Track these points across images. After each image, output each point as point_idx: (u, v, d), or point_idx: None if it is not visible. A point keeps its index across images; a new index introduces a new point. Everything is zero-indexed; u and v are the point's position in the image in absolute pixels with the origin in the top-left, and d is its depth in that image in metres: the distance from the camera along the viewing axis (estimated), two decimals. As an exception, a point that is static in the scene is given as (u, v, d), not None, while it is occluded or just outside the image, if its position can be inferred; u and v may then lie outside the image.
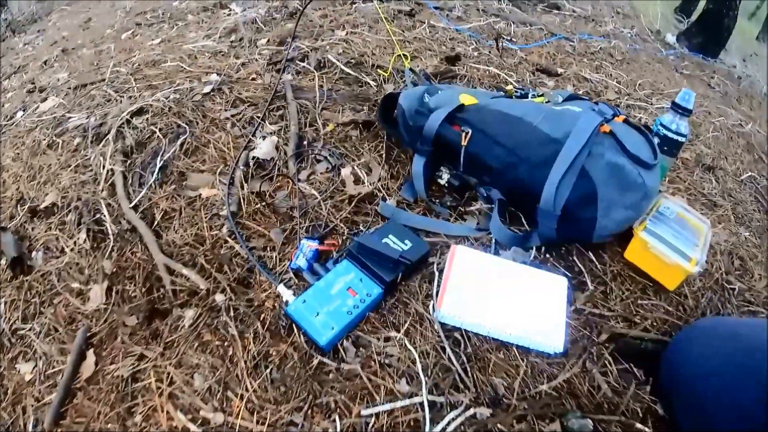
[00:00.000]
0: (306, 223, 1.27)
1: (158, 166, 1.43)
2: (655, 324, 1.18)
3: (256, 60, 1.94)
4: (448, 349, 1.04)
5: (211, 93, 1.71)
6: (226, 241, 1.24)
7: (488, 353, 1.06)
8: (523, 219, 1.34)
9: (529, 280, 1.19)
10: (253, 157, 1.41)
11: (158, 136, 1.52)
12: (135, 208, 1.33)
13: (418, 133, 1.34)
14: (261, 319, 1.10)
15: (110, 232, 1.28)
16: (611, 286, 1.24)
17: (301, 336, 1.06)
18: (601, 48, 2.60)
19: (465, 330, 1.09)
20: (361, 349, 1.05)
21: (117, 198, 1.35)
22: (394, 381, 1.00)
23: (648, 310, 1.21)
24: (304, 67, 1.84)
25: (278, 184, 1.36)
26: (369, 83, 1.75)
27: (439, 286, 1.15)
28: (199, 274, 1.19)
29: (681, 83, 2.72)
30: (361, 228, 1.28)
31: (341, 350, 1.04)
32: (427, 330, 1.08)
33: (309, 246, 1.20)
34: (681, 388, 0.98)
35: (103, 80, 1.92)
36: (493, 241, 1.27)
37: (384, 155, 1.43)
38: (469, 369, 1.02)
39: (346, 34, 2.08)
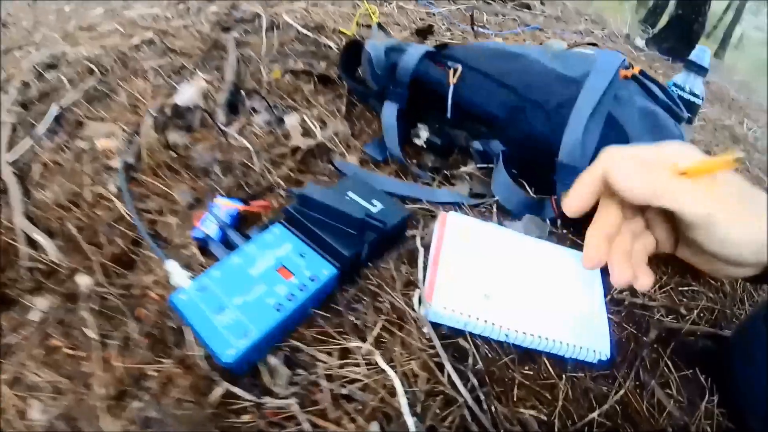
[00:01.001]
0: (228, 179, 0.84)
1: (53, 114, 0.99)
2: (702, 315, 0.85)
3: (202, 23, 1.55)
4: (447, 366, 0.62)
5: (140, 45, 1.30)
6: (110, 201, 0.80)
7: (508, 370, 0.64)
8: (527, 189, 0.93)
9: (552, 260, 0.79)
10: (173, 105, 0.98)
11: (66, 87, 1.09)
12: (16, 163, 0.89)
13: (391, 72, 0.94)
14: (137, 316, 0.67)
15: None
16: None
17: (198, 346, 0.62)
18: (576, 41, 2.32)
19: (470, 334, 0.67)
20: (300, 371, 0.62)
21: None
22: (358, 428, 0.57)
23: (690, 298, 0.87)
24: (254, 26, 1.44)
25: (198, 136, 0.93)
26: (329, 45, 1.36)
27: (426, 268, 0.73)
28: (67, 244, 0.76)
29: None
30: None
31: (265, 373, 0.61)
32: (411, 336, 0.66)
33: (225, 206, 0.77)
34: (757, 393, 0.66)
35: (34, 43, 1.49)
36: (495, 208, 0.86)
37: (344, 110, 1.02)
38: (483, 397, 0.60)
39: (307, 3, 1.71)
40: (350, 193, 0.76)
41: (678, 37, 3.35)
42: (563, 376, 0.65)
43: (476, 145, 0.93)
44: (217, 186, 0.83)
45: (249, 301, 0.63)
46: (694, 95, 1.16)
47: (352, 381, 0.62)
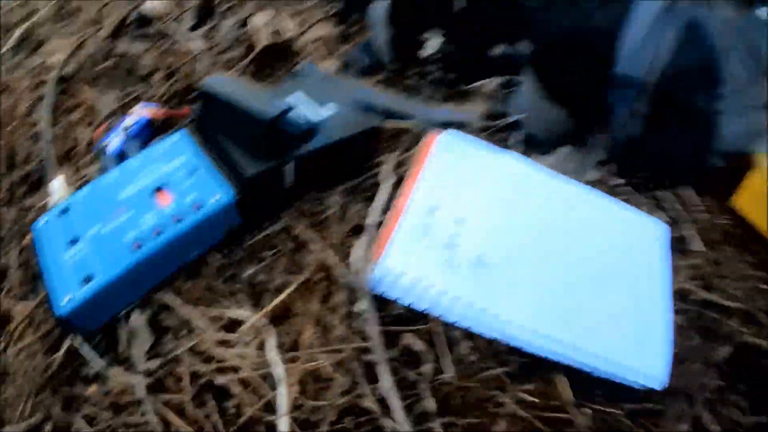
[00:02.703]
0: (164, 87, 0.63)
1: (16, 35, 0.85)
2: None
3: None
4: (383, 373, 0.38)
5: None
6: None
7: (497, 389, 0.39)
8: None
9: (594, 219, 0.48)
10: (138, 14, 0.78)
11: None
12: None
13: None
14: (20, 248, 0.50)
15: None
16: (725, 252, 0.52)
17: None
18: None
19: (438, 320, 0.41)
20: (167, 338, 0.42)
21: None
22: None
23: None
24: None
25: (154, 44, 0.73)
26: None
27: (387, 210, 0.45)
28: None
29: None
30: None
31: (122, 336, 0.42)
32: (335, 313, 0.41)
33: (138, 114, 0.55)
34: None
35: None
36: (517, 137, 0.55)
37: (335, 13, 0.74)
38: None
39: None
40: (295, 95, 0.50)
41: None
42: (586, 407, 0.35)
43: (498, 49, 0.61)
44: (151, 94, 0.62)
45: (104, 234, 0.42)
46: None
47: (234, 369, 0.37)
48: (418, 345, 0.39)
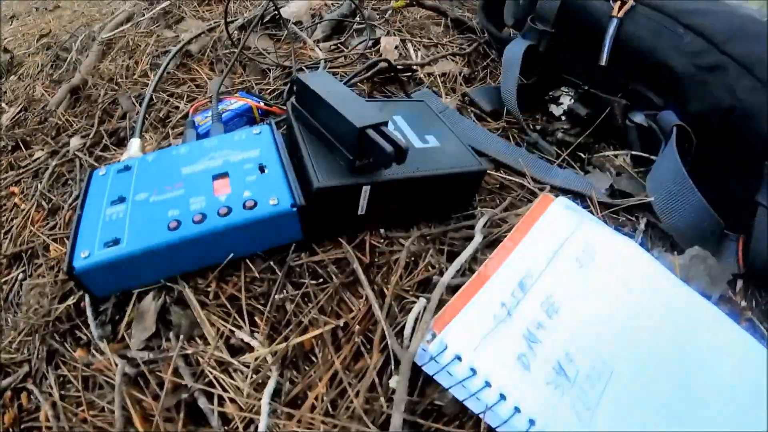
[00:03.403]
0: (277, 83, 0.60)
1: (160, 6, 0.90)
2: None
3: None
4: None
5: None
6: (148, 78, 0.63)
7: None
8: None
9: (712, 341, 0.36)
10: (276, 13, 0.79)
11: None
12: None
13: (533, 3, 0.58)
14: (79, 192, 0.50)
15: None
16: None
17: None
18: None
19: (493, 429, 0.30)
20: (171, 335, 0.35)
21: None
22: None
23: None
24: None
25: (284, 44, 0.71)
26: None
27: (465, 271, 0.36)
28: (85, 105, 0.65)
29: None
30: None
31: (127, 315, 0.36)
32: (364, 386, 0.32)
33: (236, 102, 0.52)
34: None
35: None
36: (643, 223, 0.44)
37: (468, 56, 0.68)
38: None
39: None
40: (399, 117, 0.43)
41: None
42: None
43: (637, 117, 0.51)
44: (262, 88, 0.59)
45: (151, 203, 0.37)
46: None
47: (222, 399, 0.30)
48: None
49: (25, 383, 0.37)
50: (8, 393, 0.37)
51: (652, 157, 0.49)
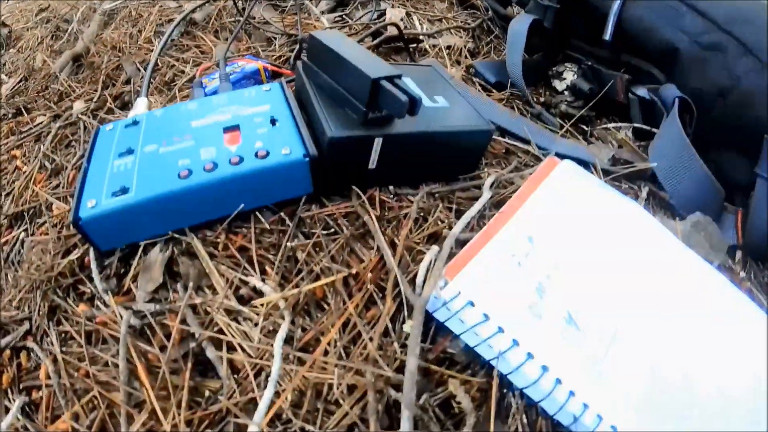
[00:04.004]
0: (284, 50, 0.59)
1: None
2: None
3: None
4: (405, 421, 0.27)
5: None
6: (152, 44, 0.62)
7: None
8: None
9: (712, 304, 0.36)
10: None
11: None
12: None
13: None
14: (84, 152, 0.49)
15: None
16: None
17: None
18: None
19: (504, 375, 0.29)
20: (178, 286, 0.34)
21: None
22: None
23: None
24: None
25: (288, 15, 0.70)
26: None
27: (474, 226, 0.36)
28: (89, 72, 0.64)
29: None
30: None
31: (133, 268, 0.36)
32: (377, 332, 0.31)
33: (244, 64, 0.51)
34: None
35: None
36: (646, 191, 0.44)
37: (472, 31, 0.68)
38: None
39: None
40: (409, 79, 0.43)
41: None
42: None
43: (640, 91, 0.51)
44: (268, 54, 0.58)
45: (160, 154, 0.36)
46: None
47: (231, 347, 0.29)
48: (464, 401, 0.28)
49: (25, 341, 0.36)
50: (7, 352, 0.36)
51: (654, 131, 0.50)
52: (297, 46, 0.56)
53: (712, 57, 0.48)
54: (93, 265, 0.37)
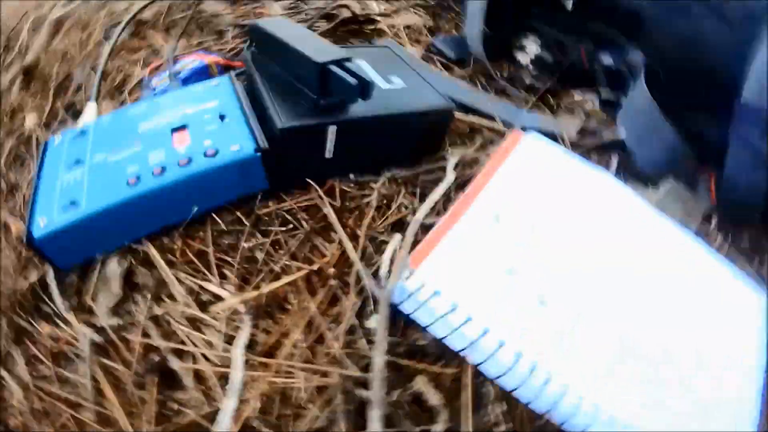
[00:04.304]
0: (236, 42, 0.56)
1: None
2: None
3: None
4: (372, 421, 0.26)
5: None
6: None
7: None
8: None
9: (690, 273, 0.35)
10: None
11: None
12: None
13: None
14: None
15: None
16: None
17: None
18: None
19: (477, 365, 0.28)
20: (139, 297, 0.32)
21: None
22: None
23: None
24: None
25: (239, 6, 0.67)
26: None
27: (440, 209, 0.34)
28: (37, 82, 0.60)
29: None
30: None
31: (92, 283, 0.33)
32: (342, 329, 0.29)
33: (195, 59, 0.49)
34: None
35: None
36: (617, 160, 0.43)
37: (432, 9, 0.65)
38: None
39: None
40: (359, 61, 0.41)
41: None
42: None
43: (604, 57, 0.49)
44: (220, 48, 0.56)
45: (109, 162, 0.34)
46: None
47: (194, 357, 0.28)
48: (433, 398, 0.27)
49: (-6, 370, 0.34)
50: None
51: (622, 99, 0.48)
52: (248, 32, 0.54)
53: (677, 17, 0.46)
54: (53, 285, 0.35)
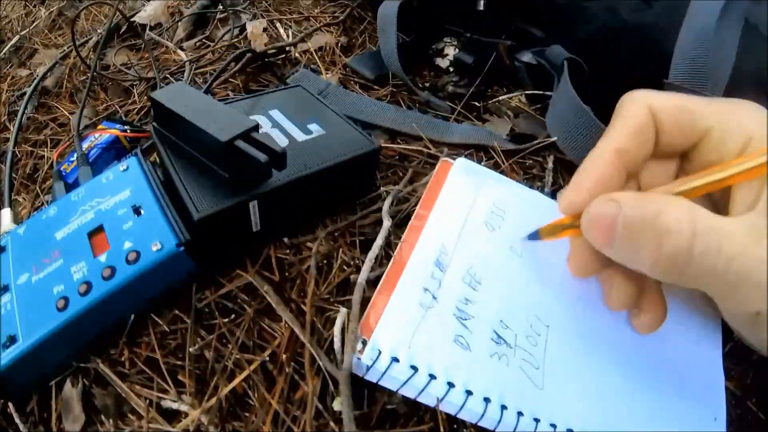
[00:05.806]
0: (145, 99, 0.52)
1: (10, 44, 0.76)
2: None
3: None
4: None
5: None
6: (8, 132, 0.54)
7: None
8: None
9: None
10: (132, 22, 0.68)
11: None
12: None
13: None
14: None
15: None
16: None
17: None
18: None
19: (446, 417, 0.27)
20: (101, 423, 0.29)
21: None
22: None
23: None
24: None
25: (144, 55, 0.62)
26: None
27: (383, 260, 0.32)
28: None
29: None
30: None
31: (54, 409, 0.30)
32: (309, 417, 0.28)
33: (99, 134, 0.44)
34: None
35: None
36: (551, 163, 0.42)
37: (343, 24, 0.62)
38: None
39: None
40: (273, 112, 0.38)
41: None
42: None
43: (525, 56, 0.48)
44: (128, 109, 0.51)
45: (34, 284, 0.31)
46: None
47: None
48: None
49: None
50: None
51: (547, 93, 0.47)
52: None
53: (595, 4, 0.45)
54: (15, 417, 0.32)
